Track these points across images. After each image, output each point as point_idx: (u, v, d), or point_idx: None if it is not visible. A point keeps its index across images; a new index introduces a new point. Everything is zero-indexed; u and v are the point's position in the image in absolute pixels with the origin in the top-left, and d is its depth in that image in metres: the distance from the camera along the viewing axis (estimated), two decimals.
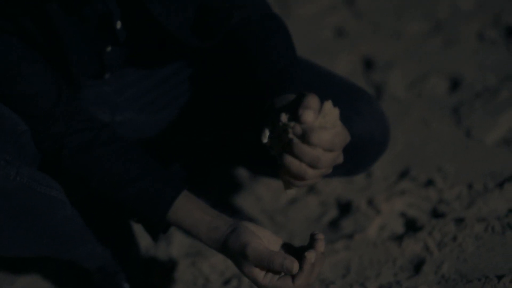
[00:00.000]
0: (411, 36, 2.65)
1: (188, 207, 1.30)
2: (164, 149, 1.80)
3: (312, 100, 1.03)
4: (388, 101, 2.29)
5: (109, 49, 1.44)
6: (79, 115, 1.37)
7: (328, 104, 1.04)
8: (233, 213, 1.94)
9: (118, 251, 1.70)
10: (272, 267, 1.18)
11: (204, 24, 1.42)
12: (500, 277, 1.50)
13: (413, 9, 2.80)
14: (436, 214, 1.80)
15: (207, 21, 1.43)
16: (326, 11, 2.93)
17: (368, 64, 2.56)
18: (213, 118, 1.58)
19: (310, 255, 1.17)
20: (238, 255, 1.21)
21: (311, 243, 1.19)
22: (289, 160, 1.04)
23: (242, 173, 2.11)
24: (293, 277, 1.18)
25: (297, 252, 1.21)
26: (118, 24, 1.38)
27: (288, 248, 1.23)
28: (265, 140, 1.15)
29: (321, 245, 1.18)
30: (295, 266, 1.17)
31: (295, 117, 1.04)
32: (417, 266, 1.64)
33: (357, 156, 1.43)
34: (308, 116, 1.02)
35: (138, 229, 1.76)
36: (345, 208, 1.91)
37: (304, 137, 1.03)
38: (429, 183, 1.90)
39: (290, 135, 1.04)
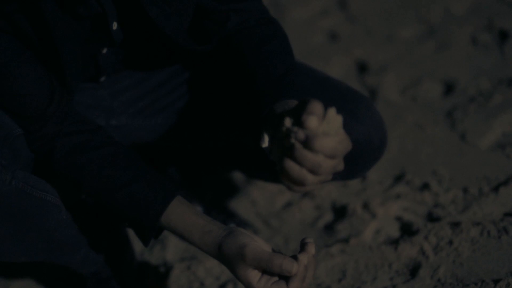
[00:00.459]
0: (404, 40, 2.65)
1: (181, 211, 1.29)
2: (159, 153, 1.79)
3: (316, 106, 1.03)
4: (382, 105, 2.29)
5: (104, 51, 1.43)
6: (72, 116, 1.36)
7: (332, 111, 1.04)
8: (228, 216, 1.93)
9: (113, 256, 1.69)
10: (271, 268, 1.18)
11: (200, 27, 1.42)
12: (496, 281, 1.50)
13: (406, 13, 2.81)
14: (431, 218, 1.80)
15: (204, 24, 1.42)
16: (319, 15, 2.93)
17: (362, 68, 2.56)
18: (209, 123, 1.57)
19: (303, 257, 1.18)
20: (235, 256, 1.20)
21: (302, 248, 1.20)
22: (290, 165, 1.04)
23: (237, 176, 2.10)
24: (287, 282, 1.18)
25: None
26: (114, 25, 1.37)
27: None
28: (265, 144, 1.15)
29: (311, 248, 1.19)
30: (295, 267, 1.17)
31: (299, 122, 1.04)
32: (413, 270, 1.64)
33: (355, 161, 1.43)
34: (312, 122, 1.02)
35: (133, 234, 1.75)
36: (340, 212, 1.91)
37: (307, 143, 1.02)
38: (424, 187, 1.90)
39: (293, 140, 1.04)
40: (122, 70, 1.54)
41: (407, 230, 1.78)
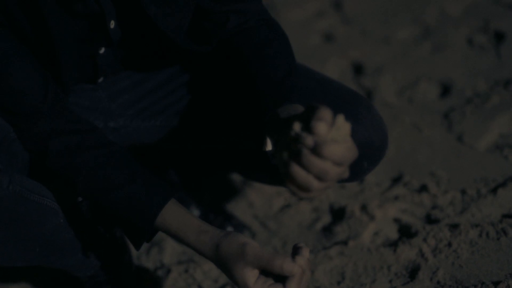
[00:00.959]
0: (400, 42, 2.65)
1: (176, 212, 1.29)
2: (158, 155, 1.78)
3: (326, 113, 1.02)
4: (379, 107, 2.29)
5: (102, 50, 1.42)
6: (67, 115, 1.34)
7: (341, 118, 1.03)
8: (225, 218, 1.93)
9: (110, 259, 1.68)
10: (271, 268, 1.17)
11: (200, 28, 1.41)
12: (496, 283, 1.50)
13: (401, 14, 2.81)
14: (430, 220, 1.79)
15: (203, 25, 1.41)
16: (314, 17, 2.93)
17: (358, 70, 2.56)
18: (209, 125, 1.56)
19: (300, 260, 1.18)
20: (235, 254, 1.20)
21: (295, 252, 1.20)
22: (296, 170, 1.03)
23: (235, 178, 2.09)
24: (284, 284, 1.18)
25: None
26: (112, 24, 1.36)
27: None
28: (269, 148, 1.14)
29: (306, 252, 1.19)
30: (295, 267, 1.16)
31: (307, 128, 1.03)
32: (412, 273, 1.63)
33: (356, 162, 1.42)
34: (322, 128, 1.01)
35: None
36: (338, 214, 1.91)
37: (316, 149, 1.02)
38: (422, 189, 1.90)
39: (301, 146, 1.03)
40: (120, 71, 1.53)
41: (405, 232, 1.78)
